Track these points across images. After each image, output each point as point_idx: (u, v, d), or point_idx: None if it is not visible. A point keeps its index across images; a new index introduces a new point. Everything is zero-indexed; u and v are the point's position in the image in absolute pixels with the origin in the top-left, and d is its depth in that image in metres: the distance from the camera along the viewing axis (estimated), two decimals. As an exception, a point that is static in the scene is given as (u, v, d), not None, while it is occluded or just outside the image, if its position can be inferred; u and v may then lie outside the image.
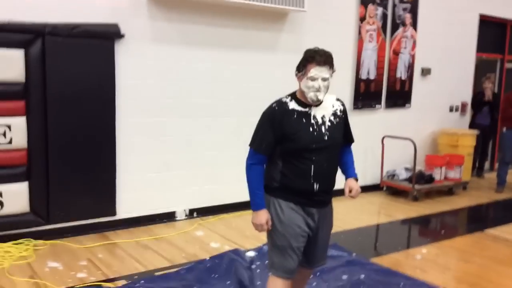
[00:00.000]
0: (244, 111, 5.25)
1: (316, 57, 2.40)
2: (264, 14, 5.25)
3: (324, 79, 2.41)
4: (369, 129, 6.46)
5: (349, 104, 6.21)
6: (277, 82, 5.30)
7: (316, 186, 2.46)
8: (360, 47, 6.18)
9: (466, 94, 7.70)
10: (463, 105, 7.68)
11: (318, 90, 2.41)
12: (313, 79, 2.41)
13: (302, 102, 2.50)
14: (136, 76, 4.62)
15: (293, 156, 2.45)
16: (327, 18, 5.83)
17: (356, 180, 2.61)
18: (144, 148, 4.76)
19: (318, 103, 2.47)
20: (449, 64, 7.33)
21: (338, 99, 2.63)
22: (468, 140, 7.01)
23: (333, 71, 2.45)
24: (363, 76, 6.29)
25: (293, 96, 2.53)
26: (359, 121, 6.33)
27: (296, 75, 2.50)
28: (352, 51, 6.16)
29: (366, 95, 6.35)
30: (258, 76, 5.36)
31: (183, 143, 4.98)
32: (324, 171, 2.47)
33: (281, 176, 2.48)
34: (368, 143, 6.48)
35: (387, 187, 6.53)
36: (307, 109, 2.48)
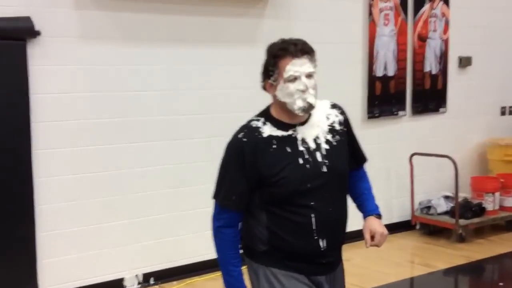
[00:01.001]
0: (216, 128, 5.20)
1: (289, 48, 2.34)
2: (237, -6, 5.28)
3: (309, 76, 2.35)
4: (392, 145, 6.45)
5: (361, 112, 6.21)
6: (259, 86, 5.24)
7: (322, 244, 2.39)
8: (372, 33, 6.18)
9: (524, 90, 7.78)
10: (520, 105, 7.74)
11: (305, 92, 2.33)
12: (293, 79, 2.33)
13: (281, 123, 2.42)
14: (60, 88, 4.58)
15: (280, 206, 2.37)
16: (325, -5, 5.87)
17: (379, 217, 2.56)
18: (75, 190, 4.69)
19: (310, 112, 2.40)
20: (497, 50, 7.35)
21: (334, 105, 2.57)
22: (529, 153, 7.03)
23: (315, 65, 2.39)
24: (379, 72, 6.28)
25: (266, 115, 2.45)
26: (376, 135, 6.32)
27: (264, 85, 2.44)
28: (361, 39, 6.15)
29: (384, 98, 6.33)
30: (233, 79, 5.34)
31: (131, 178, 4.92)
32: (330, 218, 2.40)
33: (269, 234, 2.40)
34: (392, 165, 6.46)
35: (421, 225, 6.51)
36: (290, 132, 2.41)
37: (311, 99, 2.35)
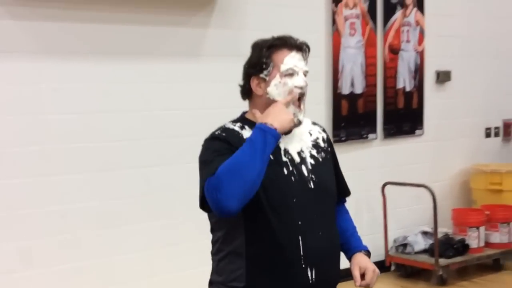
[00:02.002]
0: (152, 157, 5.18)
1: (288, 40, 2.43)
2: (178, 1, 5.27)
3: (306, 74, 2.45)
4: (361, 173, 6.46)
5: (325, 136, 6.20)
6: (205, 106, 5.30)
7: (311, 275, 2.39)
8: (336, 45, 6.22)
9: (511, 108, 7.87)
10: (507, 126, 7.83)
11: (303, 91, 2.41)
12: (291, 73, 2.39)
13: None
14: (-37, 112, 4.53)
15: (264, 219, 2.33)
16: (280, 2, 5.87)
17: (369, 255, 2.62)
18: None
19: (294, 128, 2.45)
20: (480, 63, 7.46)
21: (314, 123, 2.67)
22: (517, 181, 7.11)
23: None
24: (345, 90, 6.32)
25: (242, 120, 2.48)
26: (343, 162, 6.03)
27: (247, 85, 2.44)
28: (323, 51, 6.20)
29: (351, 119, 6.38)
30: (172, 99, 5.33)
31: (50, 218, 4.83)
32: (320, 245, 2.41)
33: (247, 266, 2.37)
34: (361, 196, 6.44)
35: (397, 265, 6.55)
36: None
37: (301, 116, 2.45)
